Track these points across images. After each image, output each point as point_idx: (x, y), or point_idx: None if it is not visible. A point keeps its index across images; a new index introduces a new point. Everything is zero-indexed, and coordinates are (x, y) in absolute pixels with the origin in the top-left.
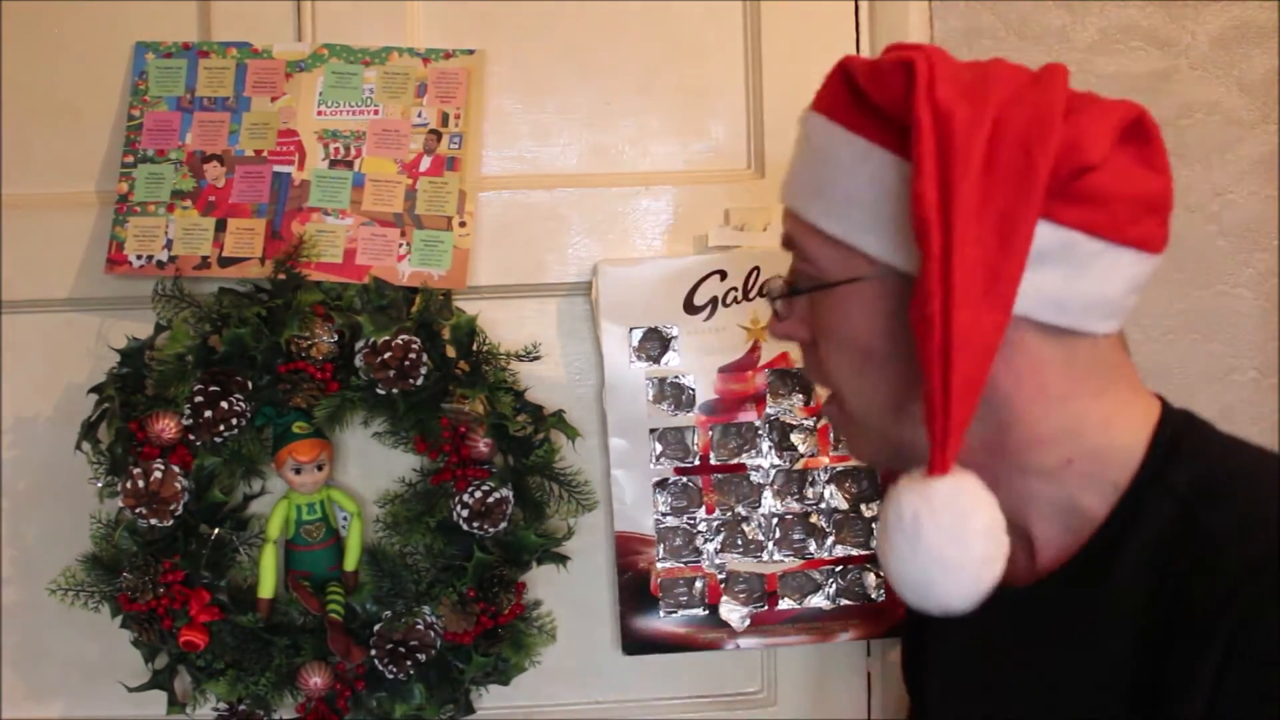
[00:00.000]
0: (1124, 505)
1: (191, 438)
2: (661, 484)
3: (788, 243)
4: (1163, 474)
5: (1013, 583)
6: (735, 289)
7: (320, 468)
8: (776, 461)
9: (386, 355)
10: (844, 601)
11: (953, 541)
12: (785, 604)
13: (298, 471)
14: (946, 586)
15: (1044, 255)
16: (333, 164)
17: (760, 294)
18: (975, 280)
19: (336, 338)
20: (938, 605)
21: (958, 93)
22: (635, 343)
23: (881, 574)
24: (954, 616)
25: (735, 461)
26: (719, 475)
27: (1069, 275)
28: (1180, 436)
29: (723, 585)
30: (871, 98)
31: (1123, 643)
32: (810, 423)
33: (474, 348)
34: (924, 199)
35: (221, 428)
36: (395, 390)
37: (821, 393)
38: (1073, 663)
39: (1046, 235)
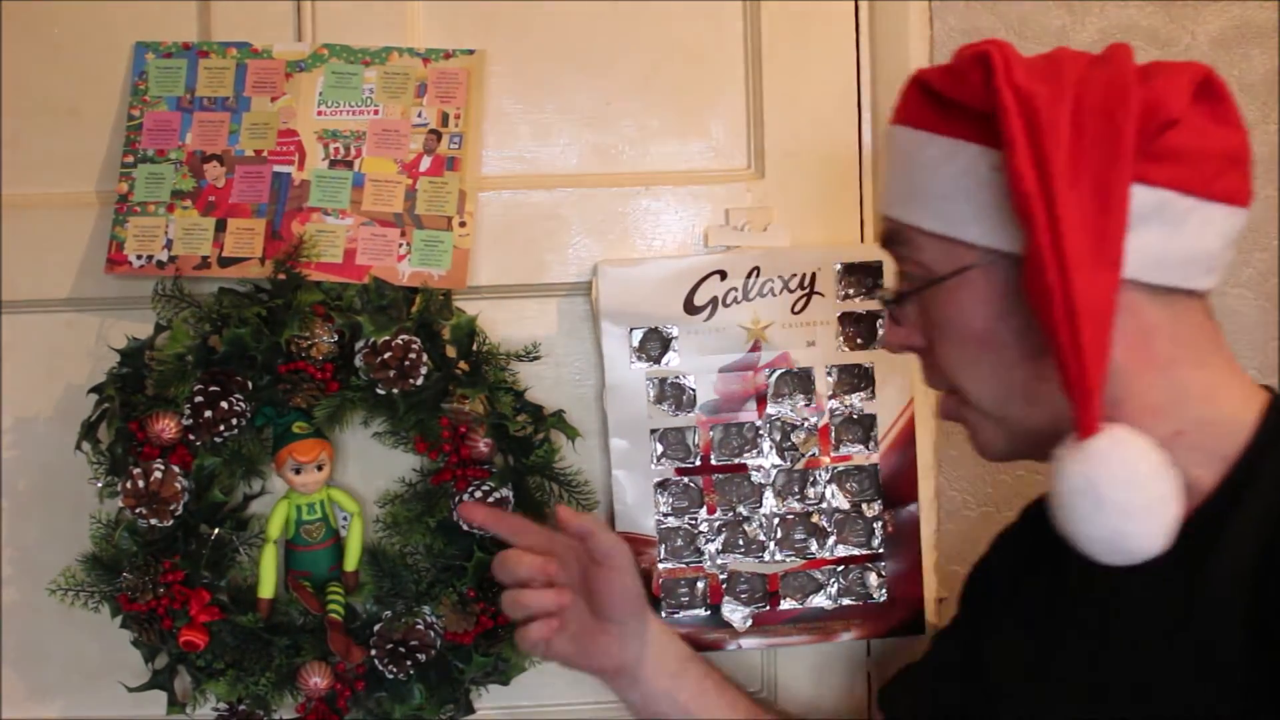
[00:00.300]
0: (1234, 477)
1: (191, 438)
2: (662, 484)
3: (891, 250)
4: (1267, 453)
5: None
6: (735, 289)
7: (320, 468)
8: (778, 461)
9: (386, 355)
10: (846, 601)
11: (1129, 489)
12: (787, 604)
13: (298, 471)
14: (1138, 533)
15: (1141, 216)
16: (333, 164)
17: (873, 298)
18: (1083, 245)
19: (336, 338)
20: (1135, 553)
21: (1034, 75)
22: (635, 343)
23: (883, 574)
24: (1034, 607)
25: (736, 462)
26: (720, 475)
27: (1167, 234)
28: None
29: (724, 586)
30: (951, 96)
31: (1226, 624)
32: (812, 422)
33: (474, 348)
34: (1023, 176)
35: (221, 428)
36: (395, 390)
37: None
38: (1170, 648)
39: (1141, 196)
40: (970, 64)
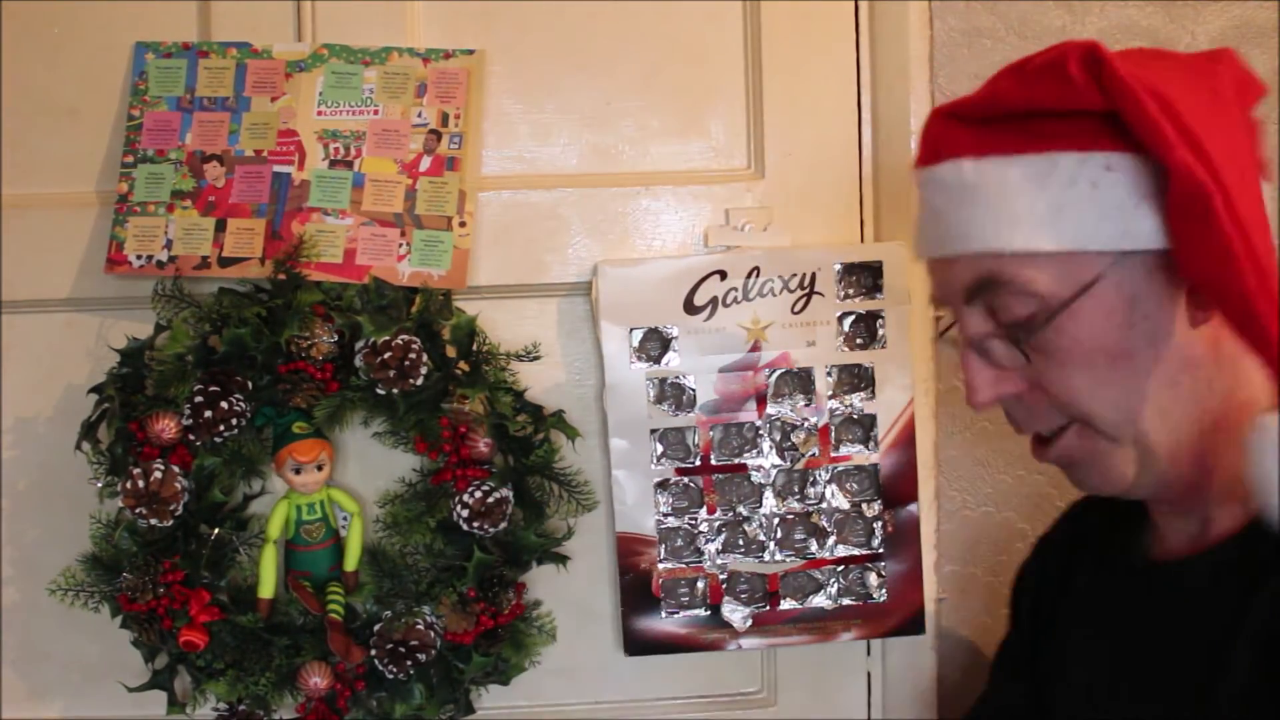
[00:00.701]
0: None
1: (191, 438)
2: (662, 484)
3: (985, 296)
4: None
5: (1169, 556)
6: (735, 289)
7: (320, 468)
8: (778, 461)
9: (386, 355)
10: (846, 601)
11: None
12: (787, 604)
13: (298, 471)
14: None
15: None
16: (333, 164)
17: (956, 338)
18: (1251, 215)
19: (336, 338)
20: None
21: (1137, 66)
22: (635, 343)
23: (883, 574)
24: (1096, 611)
25: (736, 462)
26: (720, 475)
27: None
28: None
29: (724, 586)
30: (1038, 108)
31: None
32: (812, 422)
33: (474, 348)
34: (1191, 167)
35: (221, 428)
36: (395, 390)
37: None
38: (1229, 649)
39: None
40: (1068, 66)
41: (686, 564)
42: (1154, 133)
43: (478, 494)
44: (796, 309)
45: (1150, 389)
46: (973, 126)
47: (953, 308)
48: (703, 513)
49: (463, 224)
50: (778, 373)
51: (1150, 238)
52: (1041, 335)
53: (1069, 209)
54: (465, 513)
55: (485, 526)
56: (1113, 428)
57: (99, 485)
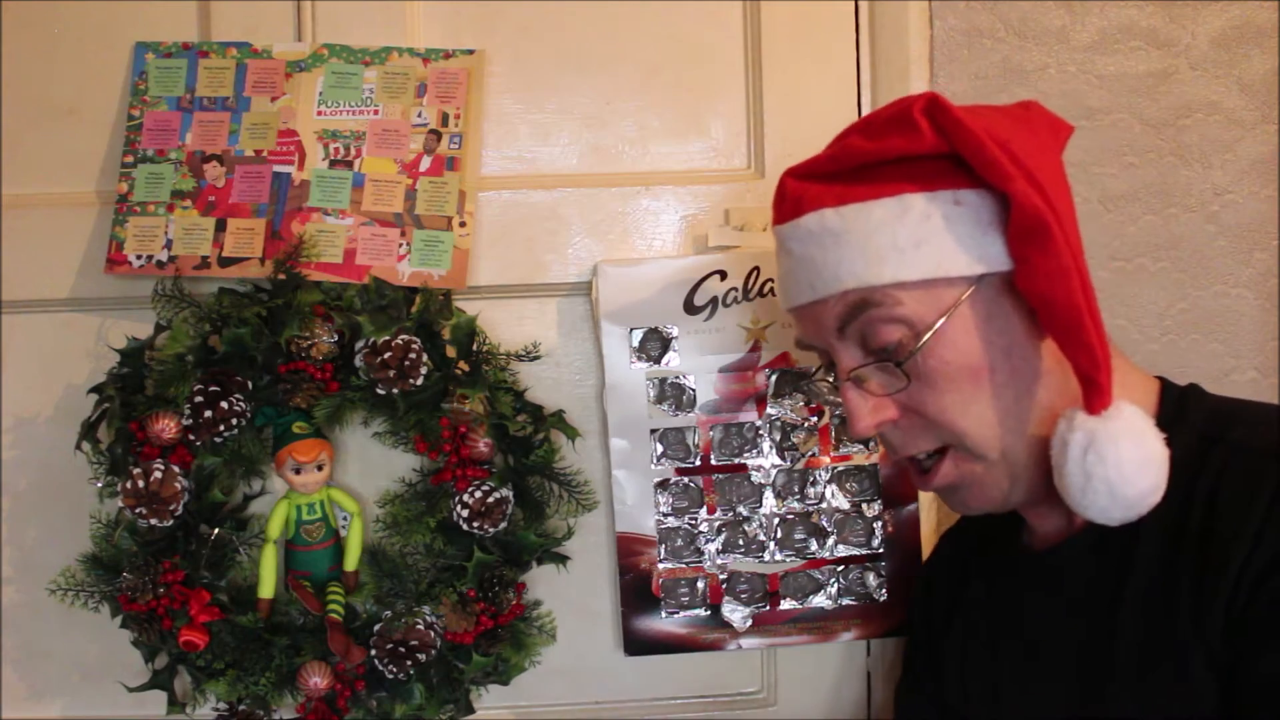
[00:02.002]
0: None
1: (191, 438)
2: (663, 484)
3: (850, 328)
4: (1179, 419)
5: (1044, 546)
6: (735, 289)
7: (320, 468)
8: (778, 461)
9: (386, 355)
10: (846, 601)
11: (1160, 443)
12: (787, 604)
13: (298, 471)
14: (1164, 482)
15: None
16: (333, 164)
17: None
18: (1077, 238)
19: (336, 338)
20: (1154, 503)
21: (971, 114)
22: (635, 343)
23: (883, 574)
24: (981, 603)
25: (736, 461)
26: (720, 475)
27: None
28: (1184, 392)
29: (724, 585)
30: (891, 155)
31: (1166, 567)
32: (812, 422)
33: (474, 348)
34: (1030, 196)
35: (221, 428)
36: (395, 390)
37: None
38: (1111, 614)
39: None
40: (914, 115)
41: (686, 564)
42: (994, 166)
43: (478, 494)
44: None
45: (1010, 402)
46: (828, 181)
47: (824, 348)
48: (703, 513)
49: (463, 224)
50: (778, 373)
51: (1000, 261)
52: (912, 360)
53: (927, 242)
54: (465, 513)
55: (485, 526)
56: (982, 445)
57: (99, 485)
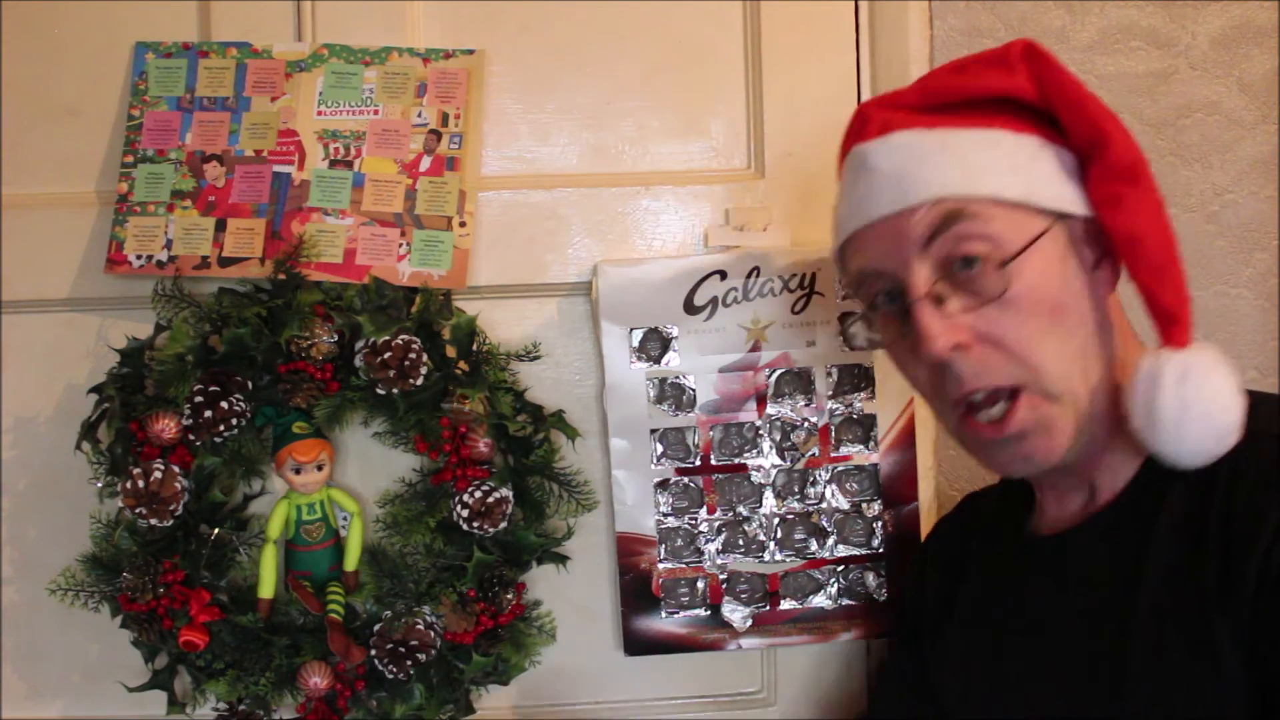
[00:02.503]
0: None
1: (191, 438)
2: (662, 484)
3: (942, 242)
4: None
5: (1053, 530)
6: (735, 289)
7: (320, 468)
8: (778, 461)
9: (386, 355)
10: (846, 601)
11: (1237, 382)
12: (787, 604)
13: (298, 471)
14: (1239, 424)
15: None
16: (333, 164)
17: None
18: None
19: (336, 338)
20: (1227, 445)
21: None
22: (635, 343)
23: (883, 574)
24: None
25: (736, 461)
26: (720, 475)
27: None
28: None
29: (724, 585)
30: (980, 94)
31: (1183, 556)
32: (812, 422)
33: (474, 348)
34: (1130, 137)
35: (221, 428)
36: (395, 390)
37: (834, 387)
38: (1126, 601)
39: None
40: (1014, 57)
41: (686, 564)
42: (1092, 109)
43: (478, 494)
44: (796, 309)
45: (1081, 346)
46: (915, 112)
47: (893, 271)
48: (703, 513)
49: (463, 224)
50: (778, 373)
51: (1079, 205)
52: (994, 282)
53: (1020, 169)
54: (465, 513)
55: (485, 526)
56: (1058, 381)
57: (99, 485)
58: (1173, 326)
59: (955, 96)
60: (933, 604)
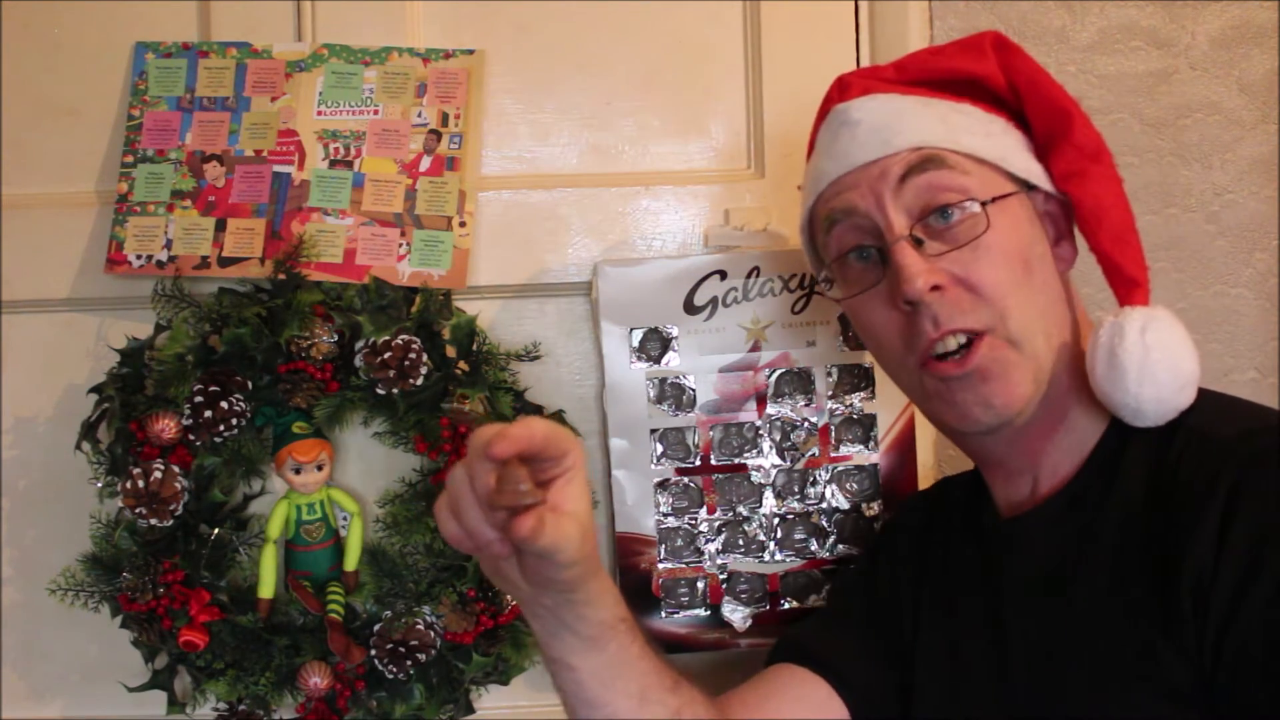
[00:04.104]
0: (1115, 427)
1: (191, 438)
2: (662, 484)
3: (916, 186)
4: None
5: (1012, 513)
6: (735, 289)
7: (320, 468)
8: (778, 461)
9: (386, 355)
10: None
11: (1189, 345)
12: (787, 604)
13: (298, 471)
14: (1196, 377)
15: None
16: (333, 164)
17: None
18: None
19: (336, 338)
20: (1190, 400)
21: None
22: (635, 343)
23: None
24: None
25: (736, 462)
26: (720, 475)
27: None
28: None
29: (724, 586)
30: (954, 76)
31: (1126, 546)
32: (812, 422)
33: (474, 348)
34: (1090, 128)
35: (221, 428)
36: (395, 390)
37: (834, 387)
38: (1075, 580)
39: None
40: (987, 44)
41: (686, 564)
42: (1056, 96)
43: None
44: (796, 309)
45: (1044, 307)
46: (894, 83)
47: (870, 216)
48: (703, 513)
49: (463, 224)
50: (778, 373)
51: (1043, 180)
52: (968, 227)
53: (993, 136)
54: None
55: None
56: (1023, 328)
57: (99, 485)
58: (1134, 289)
59: (930, 75)
60: (888, 577)
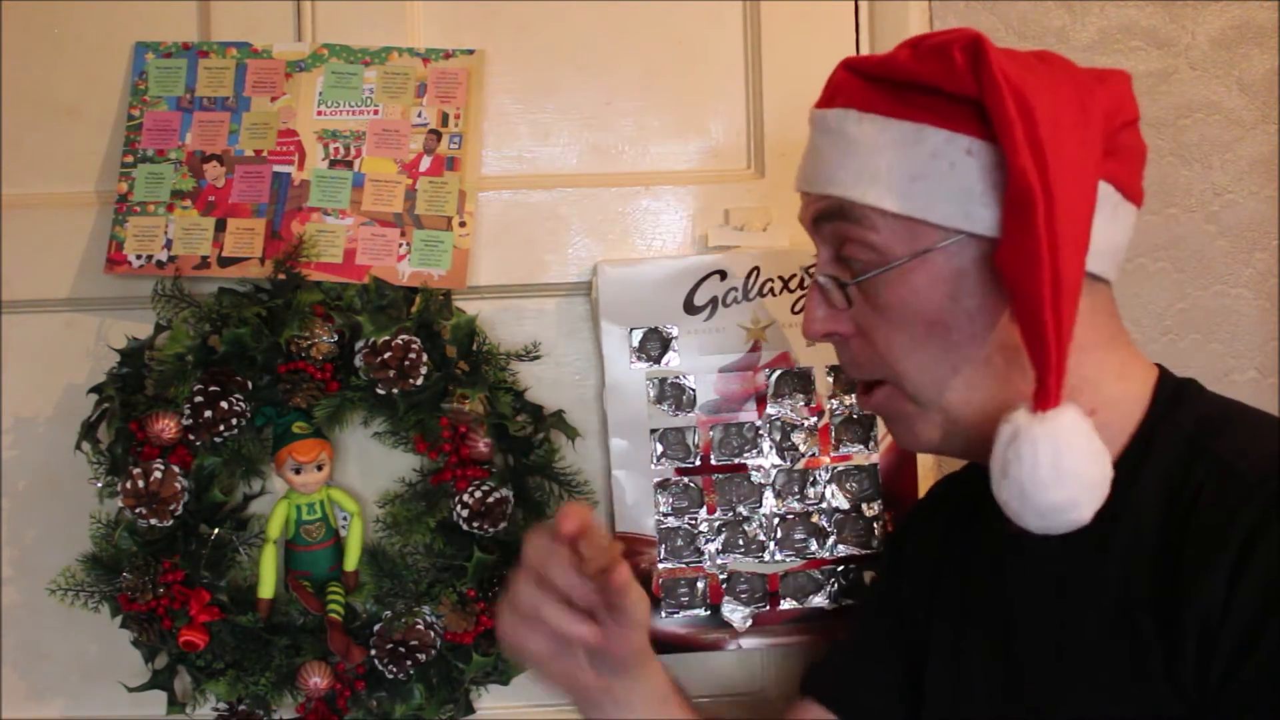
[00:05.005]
0: (1134, 447)
1: (191, 438)
2: (662, 484)
3: (826, 229)
4: (1169, 416)
5: (1020, 528)
6: (735, 289)
7: (320, 468)
8: (777, 461)
9: (386, 355)
10: (846, 601)
11: (1090, 461)
12: (787, 604)
13: (298, 471)
14: (1087, 504)
15: (1095, 208)
16: (333, 164)
17: (796, 288)
18: (1068, 230)
19: (336, 338)
20: (1075, 524)
21: (1017, 66)
22: (635, 343)
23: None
24: (953, 585)
25: (736, 462)
26: (720, 475)
27: (1103, 225)
28: (1180, 386)
29: (724, 586)
30: (919, 82)
31: (1135, 573)
32: (812, 422)
33: (474, 348)
34: (1025, 168)
35: (221, 428)
36: (395, 390)
37: (834, 387)
38: (1081, 611)
39: (1100, 190)
40: (953, 51)
41: (686, 564)
42: (1005, 129)
43: (478, 494)
44: (796, 309)
45: (960, 363)
46: (867, 83)
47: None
48: (703, 513)
49: (463, 224)
50: (778, 373)
51: (987, 226)
52: (871, 285)
53: (923, 180)
54: (465, 513)
55: (485, 526)
56: (919, 391)
57: (99, 485)
58: (1037, 386)
59: (903, 78)
60: (912, 596)
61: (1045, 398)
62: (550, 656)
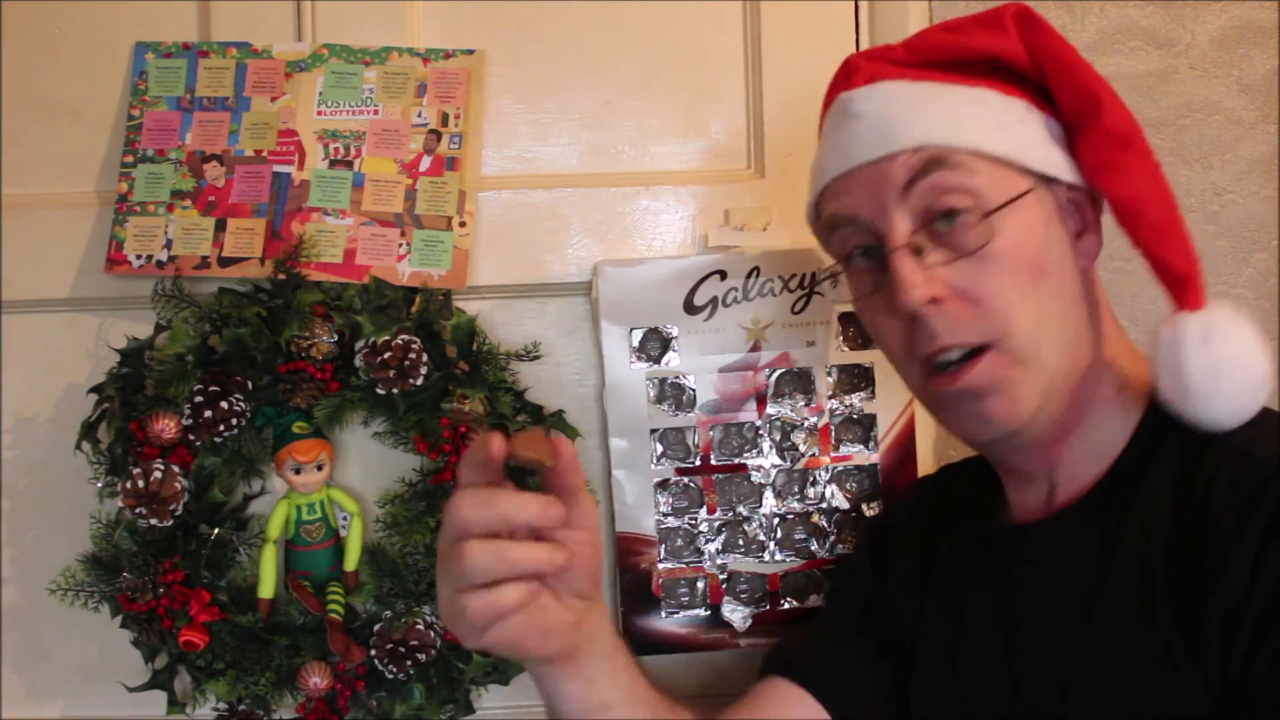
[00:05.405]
0: (1141, 436)
1: (191, 438)
2: (662, 484)
3: (922, 190)
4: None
5: (1026, 518)
6: (735, 289)
7: (320, 468)
8: (778, 461)
9: (386, 355)
10: None
11: (1255, 343)
12: (787, 604)
13: (298, 471)
14: (1271, 376)
15: None
16: (332, 164)
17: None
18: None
19: (336, 338)
20: (1261, 400)
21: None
22: (635, 343)
23: None
24: (949, 569)
25: (736, 461)
26: (720, 475)
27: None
28: None
29: (724, 585)
30: (986, 56)
31: (1151, 563)
32: (812, 422)
33: (474, 348)
34: (1123, 106)
35: (221, 428)
36: (395, 390)
37: (834, 387)
38: (1091, 595)
39: None
40: (1008, 19)
41: (686, 564)
42: (1083, 76)
43: None
44: (796, 309)
45: (1059, 313)
46: (903, 66)
47: (870, 221)
48: (703, 513)
49: (463, 224)
50: (778, 373)
51: (1066, 171)
52: (975, 235)
53: (1007, 128)
54: None
55: None
56: (1025, 346)
57: (99, 485)
58: (1185, 289)
59: (944, 55)
60: (890, 587)
61: (1199, 294)
62: (522, 606)
